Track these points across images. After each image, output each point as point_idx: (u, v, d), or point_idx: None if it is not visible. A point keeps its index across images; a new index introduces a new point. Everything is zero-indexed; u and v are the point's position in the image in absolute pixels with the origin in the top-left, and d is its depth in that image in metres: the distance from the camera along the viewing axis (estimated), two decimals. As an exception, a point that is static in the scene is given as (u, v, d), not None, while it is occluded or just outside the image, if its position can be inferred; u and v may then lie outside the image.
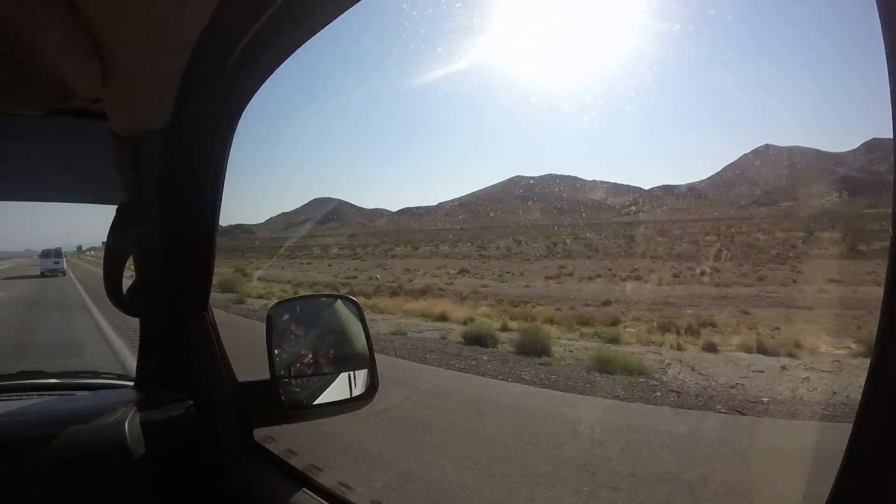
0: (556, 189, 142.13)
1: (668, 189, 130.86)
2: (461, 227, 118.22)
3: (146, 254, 1.81)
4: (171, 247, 1.76)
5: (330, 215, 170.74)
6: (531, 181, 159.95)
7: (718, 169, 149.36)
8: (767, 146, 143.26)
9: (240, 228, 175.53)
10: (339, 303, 2.02)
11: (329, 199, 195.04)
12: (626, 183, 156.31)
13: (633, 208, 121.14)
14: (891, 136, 0.60)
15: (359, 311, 1.96)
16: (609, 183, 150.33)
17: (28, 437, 1.47)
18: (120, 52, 1.34)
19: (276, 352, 1.81)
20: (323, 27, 1.35)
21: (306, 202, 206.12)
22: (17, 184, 2.91)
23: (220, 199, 1.73)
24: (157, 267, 1.80)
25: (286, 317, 1.92)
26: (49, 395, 2.18)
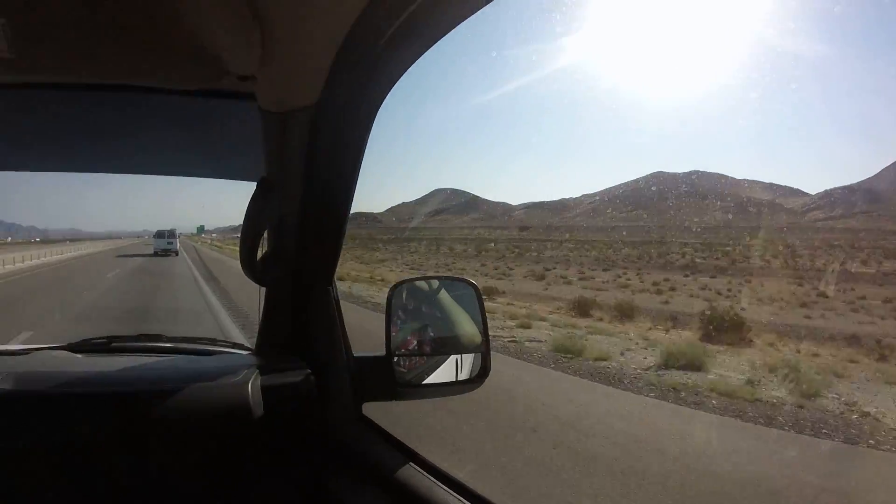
0: (706, 186, 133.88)
1: (849, 190, 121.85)
2: (613, 225, 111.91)
3: (280, 227, 1.84)
4: (304, 222, 1.80)
5: (461, 207, 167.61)
6: (675, 177, 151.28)
7: (877, 171, 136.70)
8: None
9: (363, 216, 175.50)
10: (458, 285, 2.02)
11: (458, 191, 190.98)
12: (779, 183, 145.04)
13: (820, 213, 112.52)
14: None
15: (477, 295, 1.94)
16: (762, 182, 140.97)
17: (153, 391, 1.55)
18: (279, 25, 1.37)
19: (392, 331, 1.84)
20: (470, 15, 1.35)
21: (427, 192, 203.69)
22: (157, 159, 2.97)
23: (355, 181, 1.76)
24: (289, 240, 1.84)
25: (405, 296, 1.95)
26: (170, 356, 2.24)
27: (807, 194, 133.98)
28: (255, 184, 1.77)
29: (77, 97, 1.99)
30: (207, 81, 1.74)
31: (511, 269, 58.05)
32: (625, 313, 22.92)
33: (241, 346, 2.48)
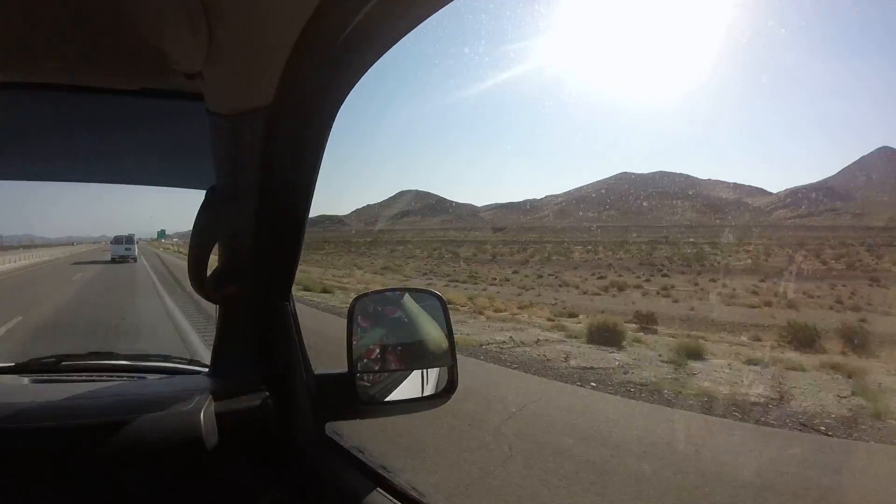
0: (671, 187, 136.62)
1: (811, 189, 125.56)
2: (585, 225, 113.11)
3: (232, 239, 1.75)
4: (259, 233, 1.70)
5: (429, 209, 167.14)
6: (640, 178, 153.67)
7: (835, 171, 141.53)
8: (886, 148, 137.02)
9: (328, 219, 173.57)
10: (422, 297, 1.97)
11: (423, 192, 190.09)
12: (743, 182, 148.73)
13: (787, 210, 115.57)
14: None
15: (443, 307, 1.91)
16: (726, 182, 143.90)
17: (101, 422, 1.45)
18: (229, 18, 1.30)
19: (354, 346, 1.78)
20: (432, 14, 1.32)
21: (393, 194, 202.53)
22: (101, 165, 2.83)
23: (313, 186, 1.67)
24: (243, 253, 1.75)
25: (368, 310, 1.89)
26: (121, 377, 2.18)
27: (770, 193, 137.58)
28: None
29: (9, 98, 1.85)
30: (152, 80, 1.66)
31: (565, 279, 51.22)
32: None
33: (197, 363, 2.41)
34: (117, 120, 2.13)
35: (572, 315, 23.11)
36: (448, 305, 1.94)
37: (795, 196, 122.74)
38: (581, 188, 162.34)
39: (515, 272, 55.48)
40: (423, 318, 1.92)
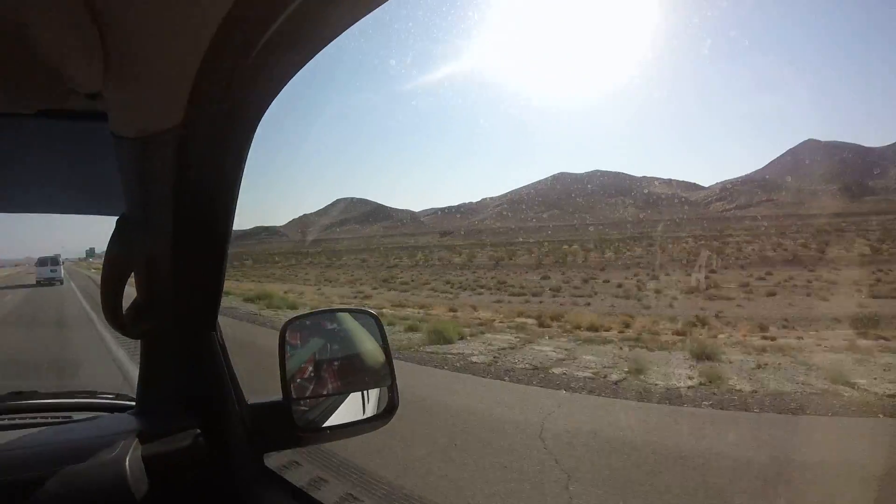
0: (608, 185, 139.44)
1: (742, 181, 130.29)
2: (529, 225, 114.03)
3: (149, 269, 1.65)
4: (177, 261, 1.61)
5: (369, 215, 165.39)
6: (576, 177, 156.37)
7: (759, 166, 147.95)
8: (811, 140, 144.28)
9: (265, 230, 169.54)
10: (357, 317, 1.96)
11: (360, 199, 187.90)
12: (676, 178, 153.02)
13: (724, 203, 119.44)
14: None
15: (379, 325, 1.88)
16: (661, 178, 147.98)
17: (19, 478, 1.35)
18: (127, 41, 1.23)
19: (288, 371, 1.73)
20: (351, 25, 1.29)
21: (330, 202, 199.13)
22: (3, 193, 2.64)
23: (233, 210, 1.58)
24: (161, 284, 1.66)
25: (301, 332, 1.86)
26: (44, 418, 2.07)
27: (703, 187, 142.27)
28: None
29: None
30: (52, 101, 1.54)
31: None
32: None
33: (125, 397, 2.30)
34: (17, 145, 1.93)
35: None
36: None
37: (730, 189, 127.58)
38: (519, 189, 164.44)
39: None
40: (361, 339, 1.88)
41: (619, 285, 39.88)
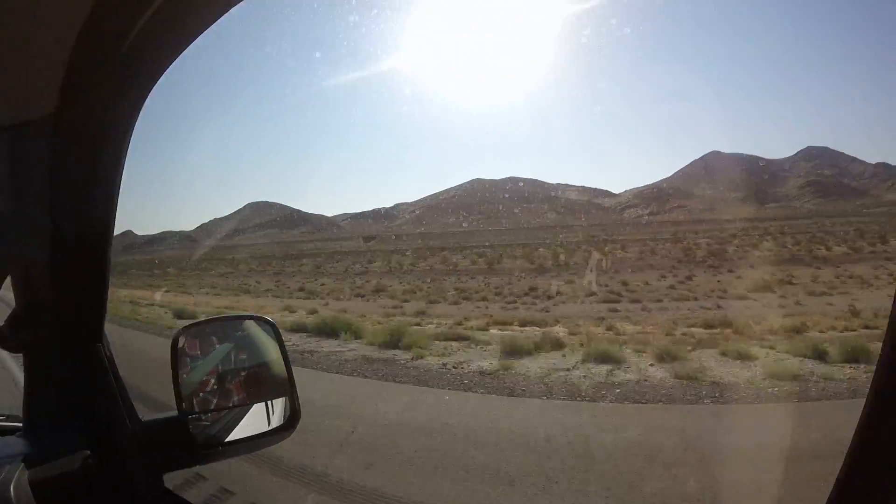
0: (524, 191, 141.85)
1: (653, 188, 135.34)
2: (449, 231, 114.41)
3: (27, 275, 1.52)
4: (56, 266, 1.48)
5: (288, 220, 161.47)
6: (492, 183, 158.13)
7: (669, 174, 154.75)
8: (715, 152, 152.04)
9: (173, 234, 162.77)
10: (253, 324, 1.85)
11: (269, 203, 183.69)
12: (588, 185, 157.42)
13: (637, 209, 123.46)
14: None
15: (276, 333, 1.81)
16: (575, 186, 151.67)
17: None
18: None
19: (182, 383, 1.64)
20: (228, 9, 1.27)
21: (240, 206, 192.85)
22: None
23: (114, 206, 1.49)
24: (41, 288, 1.52)
25: (194, 342, 1.75)
26: None
27: (614, 194, 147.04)
28: None
29: None
30: None
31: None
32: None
33: (16, 418, 1.96)
34: None
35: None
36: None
37: (643, 195, 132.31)
38: (434, 195, 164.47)
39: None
40: (258, 347, 1.79)
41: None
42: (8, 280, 1.50)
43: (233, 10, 1.22)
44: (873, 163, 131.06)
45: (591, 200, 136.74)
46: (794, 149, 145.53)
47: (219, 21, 1.25)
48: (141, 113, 1.40)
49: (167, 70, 1.36)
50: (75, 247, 1.47)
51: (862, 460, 0.77)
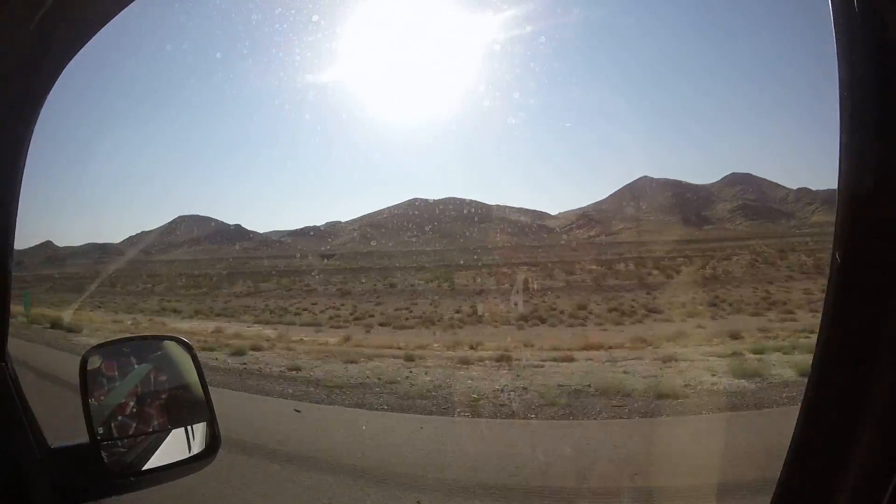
0: (465, 211, 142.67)
1: (589, 210, 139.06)
2: (408, 250, 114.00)
3: None
4: None
5: (228, 235, 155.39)
6: (431, 203, 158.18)
7: (601, 197, 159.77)
8: (646, 177, 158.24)
9: (98, 248, 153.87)
10: (169, 345, 1.84)
11: (200, 217, 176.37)
12: (526, 207, 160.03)
13: (585, 230, 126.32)
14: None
15: (192, 355, 1.77)
16: (513, 207, 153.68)
17: None
18: None
19: (93, 407, 1.58)
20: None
21: (170, 219, 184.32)
22: None
23: (15, 209, 1.39)
24: None
25: (106, 363, 1.69)
26: None
27: (551, 215, 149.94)
28: None
29: None
30: None
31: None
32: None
33: None
34: None
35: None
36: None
37: (585, 216, 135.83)
38: (373, 213, 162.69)
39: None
40: (176, 370, 1.76)
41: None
42: None
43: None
44: (795, 188, 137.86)
45: (536, 222, 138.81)
46: (717, 175, 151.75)
47: (133, 12, 1.22)
48: (57, 111, 1.66)
49: (77, 66, 1.30)
50: None
51: (799, 464, 0.80)
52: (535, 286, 51.47)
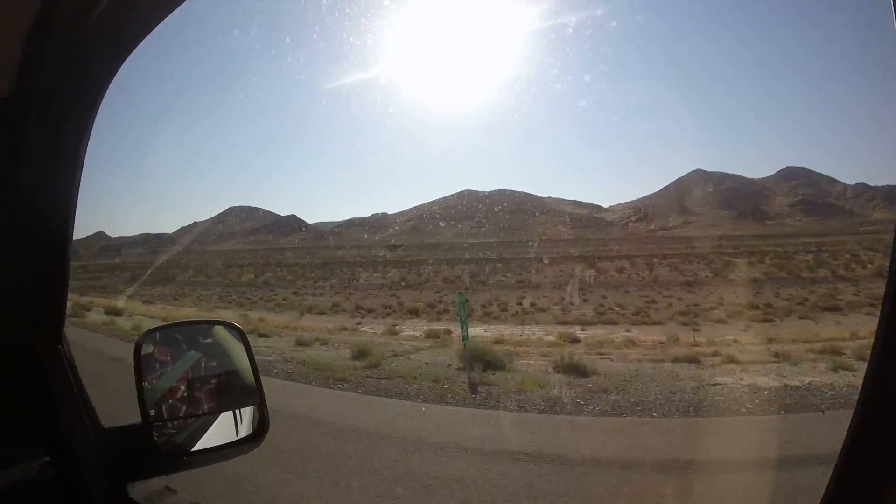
0: (521, 203, 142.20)
1: (643, 203, 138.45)
2: (469, 242, 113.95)
3: None
4: (11, 258, 1.45)
5: (282, 226, 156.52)
6: (483, 195, 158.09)
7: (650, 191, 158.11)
8: (698, 170, 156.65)
9: (153, 237, 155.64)
10: (220, 330, 1.86)
11: (250, 208, 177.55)
12: (579, 199, 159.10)
13: (644, 223, 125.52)
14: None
15: (244, 340, 1.80)
16: (566, 199, 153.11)
17: None
18: None
19: (147, 389, 1.61)
20: None
21: (222, 210, 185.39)
22: None
23: (76, 195, 1.46)
24: None
25: (159, 348, 1.72)
26: None
27: (605, 208, 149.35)
28: None
29: None
30: None
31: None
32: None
33: None
34: None
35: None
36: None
37: (639, 210, 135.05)
38: (425, 205, 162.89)
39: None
40: (227, 355, 1.78)
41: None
42: None
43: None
44: (852, 183, 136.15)
45: (592, 214, 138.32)
46: (771, 169, 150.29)
47: (193, 7, 1.33)
48: (112, 106, 1.37)
49: (134, 62, 1.35)
50: (32, 236, 1.43)
51: (851, 467, 0.76)
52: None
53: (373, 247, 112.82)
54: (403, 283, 60.91)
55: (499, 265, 70.28)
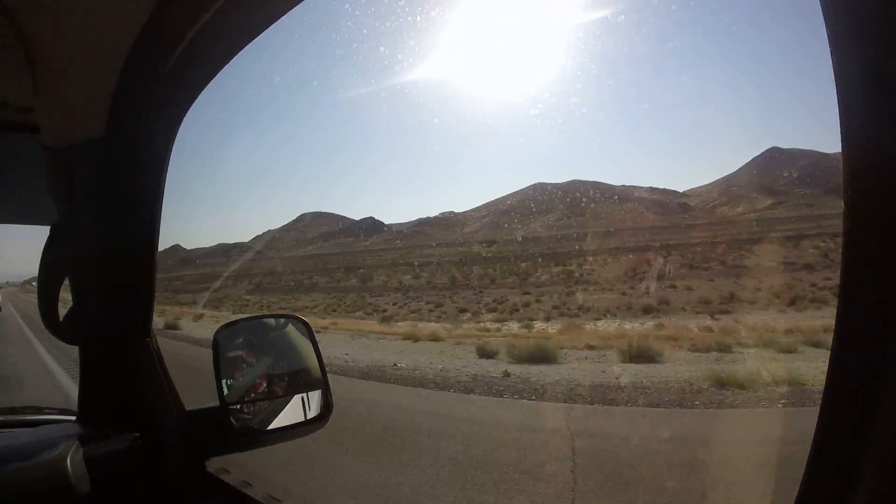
0: (596, 192, 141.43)
1: (721, 186, 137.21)
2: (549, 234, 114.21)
3: (82, 276, 1.71)
4: (108, 268, 1.67)
5: (367, 229, 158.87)
6: (555, 187, 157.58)
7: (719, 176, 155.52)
8: (775, 148, 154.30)
9: (232, 247, 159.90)
10: (287, 323, 2.02)
11: (323, 213, 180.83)
12: (654, 185, 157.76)
13: (727, 208, 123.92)
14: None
15: (309, 332, 1.96)
16: (642, 187, 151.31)
17: None
18: (51, 59, 1.29)
19: (224, 377, 1.78)
20: (258, 34, 1.36)
21: (293, 217, 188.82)
22: None
23: (159, 215, 1.66)
24: (95, 290, 1.71)
25: (233, 340, 1.90)
26: None
27: (678, 192, 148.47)
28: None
29: None
30: None
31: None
32: None
33: (68, 412, 2.37)
34: None
35: None
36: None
37: (724, 193, 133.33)
38: (498, 200, 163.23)
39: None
40: (293, 344, 1.96)
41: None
42: (66, 281, 1.72)
43: (280, 22, 1.33)
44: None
45: (673, 200, 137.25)
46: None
47: (263, 33, 1.37)
48: (184, 127, 1.58)
49: (205, 87, 1.53)
50: (122, 251, 1.65)
51: (820, 464, 0.76)
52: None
53: (464, 244, 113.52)
54: (574, 279, 61.51)
55: (608, 260, 70.54)
